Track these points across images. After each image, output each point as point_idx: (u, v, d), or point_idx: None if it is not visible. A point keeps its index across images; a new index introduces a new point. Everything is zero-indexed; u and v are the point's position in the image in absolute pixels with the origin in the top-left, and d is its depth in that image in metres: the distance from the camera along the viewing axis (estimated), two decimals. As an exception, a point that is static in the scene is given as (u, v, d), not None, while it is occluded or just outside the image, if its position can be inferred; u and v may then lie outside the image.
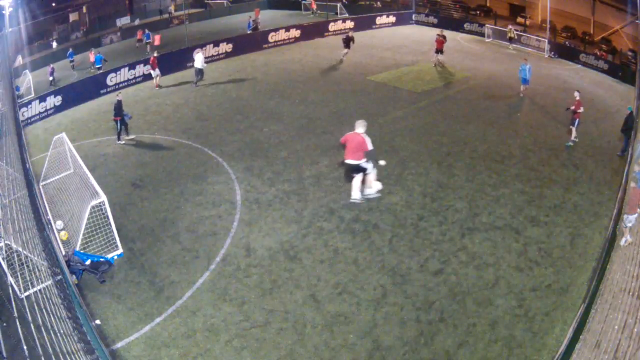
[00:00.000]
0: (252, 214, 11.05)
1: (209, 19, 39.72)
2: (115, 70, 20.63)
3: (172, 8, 43.18)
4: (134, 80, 21.04)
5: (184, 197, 11.81)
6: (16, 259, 7.51)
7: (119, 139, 15.18)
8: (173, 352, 7.46)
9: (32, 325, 4.58)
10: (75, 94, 19.03)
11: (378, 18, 33.31)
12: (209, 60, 24.04)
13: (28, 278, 7.27)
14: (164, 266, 9.41)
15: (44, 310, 5.17)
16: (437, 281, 8.90)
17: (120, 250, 9.74)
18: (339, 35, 30.28)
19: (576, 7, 32.45)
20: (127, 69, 20.89)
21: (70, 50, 28.68)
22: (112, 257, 9.54)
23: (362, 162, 9.03)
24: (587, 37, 31.24)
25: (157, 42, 29.58)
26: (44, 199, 11.32)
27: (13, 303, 4.85)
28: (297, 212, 11.11)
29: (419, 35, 29.15)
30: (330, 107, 17.61)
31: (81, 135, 15.87)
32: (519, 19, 34.90)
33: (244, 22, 31.11)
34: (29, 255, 7.52)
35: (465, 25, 31.61)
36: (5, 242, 7.60)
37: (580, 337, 7.06)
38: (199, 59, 20.66)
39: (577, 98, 14.23)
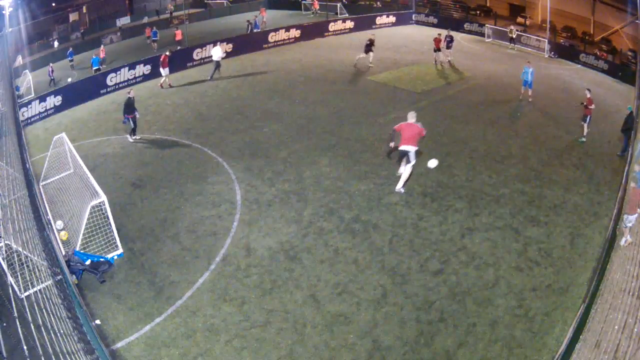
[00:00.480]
0: (252, 214, 11.05)
1: (209, 19, 39.73)
2: (115, 70, 20.63)
3: (169, 8, 43.22)
4: (134, 80, 21.02)
5: (184, 197, 11.81)
6: (16, 259, 7.51)
7: (134, 133, 15.11)
8: (173, 352, 7.46)
9: (32, 325, 4.58)
10: (75, 94, 19.02)
11: (378, 18, 33.32)
12: (209, 60, 24.06)
13: (28, 278, 7.27)
14: (164, 266, 9.41)
15: (44, 310, 5.17)
16: (437, 281, 8.90)
17: (120, 250, 9.74)
18: (339, 35, 30.38)
19: (576, 7, 32.45)
20: (127, 69, 20.89)
21: (70, 50, 28.76)
22: (112, 257, 9.54)
23: (413, 151, 10.84)
24: (587, 37, 31.25)
25: (178, 37, 29.55)
26: (44, 199, 11.32)
27: (13, 303, 4.85)
28: (297, 212, 11.11)
29: (419, 35, 29.15)
30: (330, 107, 17.61)
31: (81, 135, 15.87)
32: (519, 19, 34.91)
33: (244, 22, 31.07)
34: (29, 255, 7.52)
35: (465, 25, 31.62)
36: (5, 242, 7.60)
37: (580, 337, 7.06)
38: (216, 52, 21.02)
39: (588, 96, 14.65)
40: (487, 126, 15.82)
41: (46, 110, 18.02)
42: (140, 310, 8.29)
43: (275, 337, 7.74)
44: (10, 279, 7.39)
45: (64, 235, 10.07)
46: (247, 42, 26.48)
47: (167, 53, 20.51)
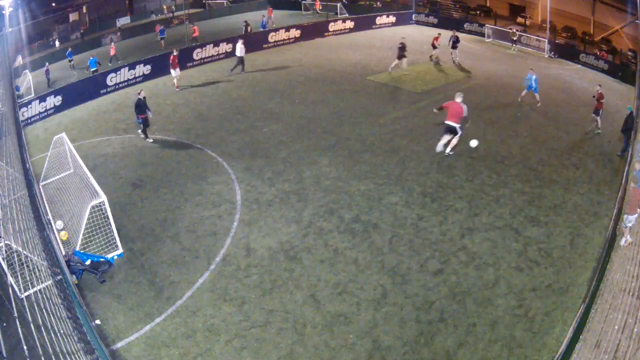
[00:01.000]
0: (252, 214, 11.05)
1: (209, 19, 39.73)
2: (115, 70, 20.62)
3: (164, 9, 43.27)
4: (133, 81, 21.02)
5: (184, 197, 11.81)
6: (16, 259, 7.51)
7: (146, 136, 15.03)
8: (173, 352, 7.46)
9: (32, 325, 4.58)
10: (75, 94, 19.02)
11: (378, 18, 33.31)
12: (208, 60, 24.07)
13: (28, 278, 7.27)
14: (164, 266, 9.41)
15: (44, 310, 5.18)
16: (437, 281, 8.90)
17: (120, 250, 9.74)
18: (339, 35, 30.38)
19: (576, 7, 32.46)
20: (127, 68, 20.89)
21: (69, 50, 28.77)
22: (112, 257, 9.55)
23: (458, 126, 12.41)
24: (587, 37, 31.24)
25: (196, 34, 29.57)
26: (44, 199, 11.33)
27: (13, 303, 4.85)
28: (297, 212, 11.11)
29: (419, 35, 29.12)
30: (330, 107, 17.61)
31: (81, 135, 15.87)
32: (519, 19, 34.93)
33: (243, 23, 31.05)
34: (29, 255, 7.52)
35: (465, 25, 31.61)
36: (5, 242, 7.60)
37: (580, 337, 7.06)
38: (239, 48, 21.53)
39: (599, 91, 15.41)
40: (487, 126, 15.82)
41: (46, 110, 18.02)
42: (140, 310, 8.29)
43: (275, 337, 7.74)
44: (10, 279, 7.39)
45: (64, 235, 10.07)
46: (247, 42, 26.44)
47: (175, 53, 20.12)
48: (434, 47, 23.55)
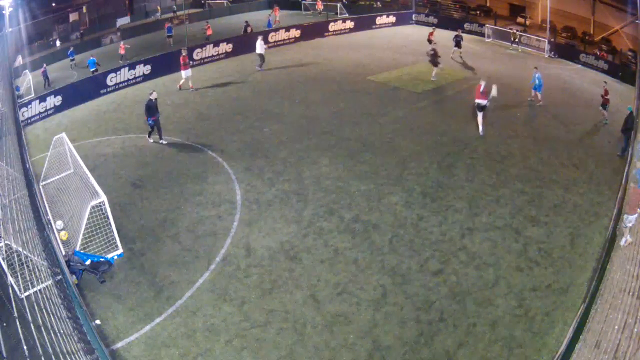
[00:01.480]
0: (252, 214, 11.05)
1: (209, 19, 39.71)
2: (116, 70, 20.62)
3: (158, 10, 43.27)
4: (134, 81, 21.03)
5: (184, 197, 11.81)
6: (16, 259, 7.50)
7: (160, 138, 14.80)
8: (173, 352, 7.46)
9: (32, 325, 4.58)
10: (75, 94, 19.03)
11: (378, 18, 33.29)
12: (208, 60, 24.06)
13: (28, 278, 7.26)
14: (164, 266, 9.41)
15: (44, 310, 5.18)
16: (437, 281, 8.90)
17: (120, 250, 9.74)
18: (339, 35, 30.37)
19: (576, 7, 32.41)
20: (127, 68, 20.89)
21: (71, 49, 28.85)
22: (112, 257, 9.55)
23: (486, 103, 14.77)
24: (587, 37, 31.22)
25: (209, 32, 29.53)
26: (44, 199, 11.33)
27: (13, 303, 4.84)
28: (297, 212, 11.11)
29: (419, 35, 29.08)
30: (330, 107, 17.61)
31: (81, 135, 15.87)
32: (519, 19, 34.86)
33: (243, 23, 31.04)
34: (29, 255, 7.52)
35: (465, 25, 31.56)
36: (5, 242, 7.59)
37: (580, 337, 7.07)
38: (259, 45, 21.86)
39: (605, 87, 16.75)
40: (487, 126, 15.80)
41: (46, 110, 18.03)
42: (140, 310, 8.29)
43: (275, 337, 7.74)
44: (10, 279, 7.38)
45: (64, 235, 10.06)
46: (247, 43, 26.46)
47: (184, 53, 19.79)
48: (430, 42, 24.15)
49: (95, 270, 8.98)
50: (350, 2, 41.30)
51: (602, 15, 31.20)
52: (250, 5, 43.22)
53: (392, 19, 33.67)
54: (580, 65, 24.76)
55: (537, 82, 17.64)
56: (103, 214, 9.70)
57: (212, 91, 19.90)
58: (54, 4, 39.16)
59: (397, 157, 13.64)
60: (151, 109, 14.25)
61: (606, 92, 16.54)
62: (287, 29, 28.39)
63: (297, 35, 28.51)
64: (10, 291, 5.33)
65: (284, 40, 27.92)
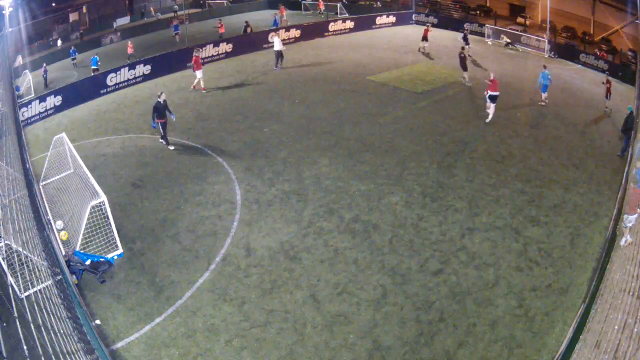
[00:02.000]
0: (252, 214, 11.05)
1: (209, 18, 39.72)
2: (116, 70, 20.62)
3: (152, 10, 43.29)
4: (134, 81, 21.03)
5: (184, 197, 11.81)
6: (16, 259, 7.51)
7: (167, 142, 14.42)
8: (173, 352, 7.46)
9: (32, 325, 4.58)
10: (75, 94, 19.03)
11: (378, 18, 33.28)
12: (208, 60, 24.05)
13: (28, 278, 7.27)
14: (164, 266, 9.41)
15: (44, 310, 5.18)
16: (437, 281, 8.90)
17: (120, 250, 9.74)
18: (339, 35, 30.37)
19: (576, 7, 32.41)
20: (127, 68, 20.89)
21: (73, 48, 28.94)
22: (112, 257, 9.55)
23: (498, 93, 16.06)
24: (587, 37, 31.22)
25: (222, 30, 29.47)
26: (44, 199, 11.33)
27: (13, 303, 4.85)
28: (297, 212, 11.11)
29: (419, 36, 29.06)
30: (330, 107, 17.61)
31: (81, 135, 15.87)
32: (519, 19, 34.86)
33: (248, 22, 31.05)
34: (29, 255, 7.52)
35: (465, 25, 31.55)
36: (5, 242, 7.60)
37: (580, 337, 7.06)
38: (277, 42, 22.27)
39: (607, 76, 18.08)
40: (487, 126, 15.82)
41: (46, 110, 18.03)
42: (140, 310, 8.29)
43: (275, 337, 7.74)
44: (10, 279, 7.39)
45: (64, 235, 10.06)
46: (247, 43, 26.47)
47: (196, 53, 19.66)
48: (425, 39, 25.10)
49: (95, 270, 8.98)
50: (350, 2, 41.30)
51: (602, 15, 31.20)
52: (250, 5, 43.25)
53: (392, 19, 33.67)
54: (580, 65, 24.75)
55: (543, 81, 17.60)
56: (103, 214, 9.70)
57: (212, 91, 19.89)
58: (54, 4, 39.17)
59: (397, 157, 13.64)
60: (159, 110, 13.90)
61: (608, 81, 17.42)
62: (287, 29, 28.41)
63: (297, 35, 28.51)
64: (10, 291, 5.33)
65: (284, 40, 27.80)
